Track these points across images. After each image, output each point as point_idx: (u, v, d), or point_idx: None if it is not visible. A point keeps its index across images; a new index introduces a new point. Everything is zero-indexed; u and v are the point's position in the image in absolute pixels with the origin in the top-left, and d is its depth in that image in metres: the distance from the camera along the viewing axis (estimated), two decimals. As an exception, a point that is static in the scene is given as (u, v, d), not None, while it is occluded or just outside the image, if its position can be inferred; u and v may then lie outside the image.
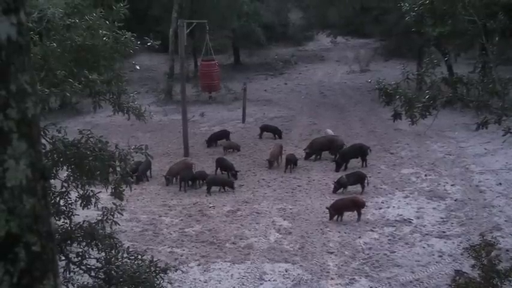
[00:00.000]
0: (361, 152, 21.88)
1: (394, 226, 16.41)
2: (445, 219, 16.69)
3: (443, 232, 15.88)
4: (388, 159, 22.68)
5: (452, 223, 16.43)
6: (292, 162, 21.65)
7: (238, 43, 44.97)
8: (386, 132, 25.80)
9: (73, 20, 9.48)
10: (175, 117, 29.32)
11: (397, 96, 12.19)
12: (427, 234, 15.84)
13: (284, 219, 17.16)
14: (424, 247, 15.10)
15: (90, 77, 8.96)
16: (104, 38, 9.28)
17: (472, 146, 23.30)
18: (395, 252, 14.89)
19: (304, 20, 49.35)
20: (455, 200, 18.07)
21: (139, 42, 9.91)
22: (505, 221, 16.21)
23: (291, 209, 17.91)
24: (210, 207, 18.37)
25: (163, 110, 31.59)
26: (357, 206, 16.92)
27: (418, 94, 12.67)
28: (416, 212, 17.33)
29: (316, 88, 37.65)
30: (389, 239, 15.62)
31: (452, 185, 19.36)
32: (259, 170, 21.84)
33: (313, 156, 23.06)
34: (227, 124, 28.77)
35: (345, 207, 17.02)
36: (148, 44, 10.52)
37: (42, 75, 8.72)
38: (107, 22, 9.53)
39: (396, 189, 19.32)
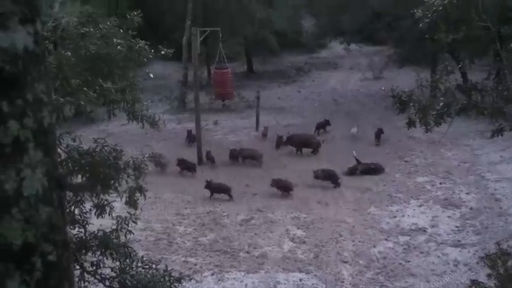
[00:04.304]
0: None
1: (409, 235, 16.30)
2: (460, 228, 16.56)
3: (459, 241, 15.75)
4: (403, 167, 22.56)
5: (467, 232, 16.30)
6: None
7: (251, 51, 45.02)
8: (401, 140, 25.67)
9: (87, 29, 9.54)
10: (188, 126, 29.35)
11: (411, 104, 12.14)
12: (442, 243, 15.73)
13: (298, 228, 17.10)
14: (439, 256, 14.98)
15: (104, 85, 9.00)
16: (118, 47, 9.33)
17: (487, 153, 23.11)
18: (410, 261, 14.79)
19: (317, 27, 49.30)
20: (470, 209, 17.92)
21: (153, 51, 9.95)
22: (521, 229, 16.08)
23: (304, 217, 17.85)
24: (223, 216, 18.34)
25: (177, 118, 31.64)
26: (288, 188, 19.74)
27: (432, 101, 12.61)
28: (431, 220, 17.21)
29: (329, 96, 37.56)
30: (404, 248, 15.52)
31: (467, 193, 19.21)
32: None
33: (295, 150, 25.17)
34: (240, 132, 28.78)
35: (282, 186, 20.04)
36: (162, 52, 10.55)
37: (56, 84, 8.77)
38: (121, 31, 9.58)
39: (411, 197, 19.20)
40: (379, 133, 26.50)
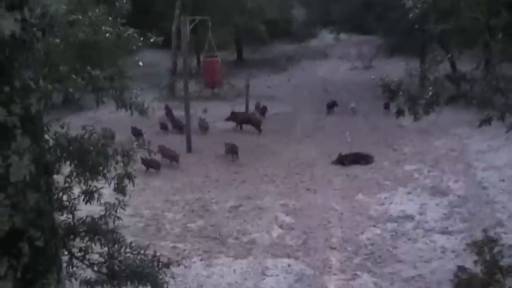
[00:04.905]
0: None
1: (397, 222, 16.41)
2: (447, 215, 16.68)
3: (446, 228, 15.87)
4: (391, 155, 22.67)
5: (455, 219, 16.42)
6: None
7: (241, 39, 44.89)
8: (389, 128, 25.76)
9: (76, 16, 9.50)
10: (178, 114, 29.33)
11: (401, 93, 12.20)
12: (429, 230, 15.84)
13: (287, 215, 17.18)
14: (426, 243, 15.10)
15: (92, 73, 8.98)
16: (107, 34, 9.30)
17: (475, 142, 23.24)
18: (397, 248, 14.89)
19: (307, 16, 49.24)
20: (458, 196, 18.05)
21: (142, 39, 9.92)
22: (508, 217, 16.19)
23: (293, 204, 17.92)
24: (212, 202, 18.39)
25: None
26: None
27: (421, 91, 12.67)
28: (419, 208, 17.32)
29: (319, 85, 37.59)
30: (391, 235, 15.63)
31: (455, 181, 19.34)
32: (262, 166, 21.86)
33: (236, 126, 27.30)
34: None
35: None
36: (151, 40, 10.52)
37: (45, 72, 8.73)
38: (110, 18, 9.55)
39: (399, 185, 19.31)
40: (331, 105, 30.06)
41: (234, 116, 27.60)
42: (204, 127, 26.74)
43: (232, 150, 22.93)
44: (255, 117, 28.02)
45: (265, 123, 28.51)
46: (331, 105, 30.62)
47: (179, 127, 26.71)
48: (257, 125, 27.11)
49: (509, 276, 9.06)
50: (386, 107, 26.85)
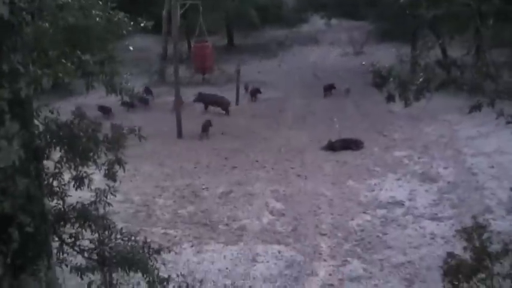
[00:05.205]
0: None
1: (387, 208, 16.47)
2: (437, 202, 16.76)
3: (436, 214, 15.94)
4: (381, 141, 22.73)
5: (444, 205, 16.50)
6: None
7: (232, 24, 44.71)
8: (380, 114, 25.80)
9: (66, 0, 9.40)
10: (168, 99, 29.29)
11: (391, 79, 12.18)
12: (419, 216, 15.91)
13: (277, 201, 17.20)
14: (416, 229, 15.17)
15: (82, 57, 8.90)
16: (97, 19, 9.23)
17: (465, 128, 23.32)
18: (387, 234, 14.96)
19: (299, 1, 49.10)
20: (447, 183, 18.13)
21: (132, 23, 9.85)
22: (497, 203, 16.27)
23: (284, 190, 17.95)
24: (203, 188, 18.39)
25: (156, 91, 31.45)
26: None
27: (412, 77, 12.65)
28: (409, 194, 17.39)
29: (309, 70, 37.57)
30: (381, 221, 15.69)
31: (444, 168, 19.42)
32: (252, 152, 21.86)
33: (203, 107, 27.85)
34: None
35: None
36: (142, 24, 10.45)
37: (34, 56, 8.65)
38: (100, 2, 9.46)
39: (389, 171, 19.37)
40: (329, 87, 30.80)
41: (201, 97, 27.97)
42: (179, 103, 26.87)
43: (204, 128, 23.78)
44: (223, 99, 28.21)
45: (256, 109, 28.62)
46: (329, 88, 31.00)
47: (218, 102, 28.03)
48: (225, 107, 27.56)
49: (497, 262, 9.10)
50: (254, 94, 29.58)
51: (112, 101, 19.04)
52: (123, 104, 25.65)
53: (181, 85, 26.26)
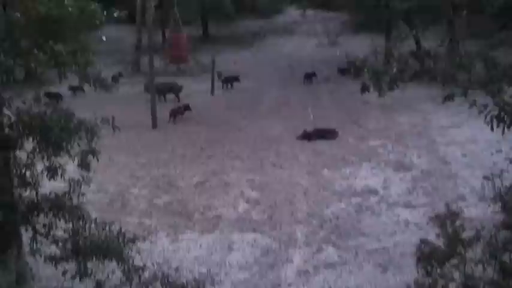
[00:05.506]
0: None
1: (361, 196, 16.60)
2: (411, 190, 16.93)
3: (409, 202, 16.11)
4: (356, 131, 22.86)
5: (418, 193, 16.67)
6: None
7: (207, 15, 44.56)
8: (355, 104, 25.94)
9: (37, -11, 9.33)
10: (142, 89, 29.19)
11: (365, 69, 12.26)
12: (393, 204, 16.06)
13: (253, 190, 17.25)
14: (390, 217, 15.31)
15: (55, 47, 8.85)
16: (70, 9, 9.17)
17: (439, 118, 23.57)
18: (362, 221, 15.09)
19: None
20: (421, 171, 18.32)
21: (105, 13, 9.81)
22: (470, 191, 16.47)
23: (259, 179, 17.99)
24: (178, 178, 18.34)
25: (130, 81, 31.33)
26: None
27: (386, 67, 12.75)
28: (383, 182, 17.54)
29: (285, 61, 37.64)
30: (356, 209, 15.81)
31: (418, 157, 19.61)
32: (228, 142, 21.87)
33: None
34: (196, 96, 28.80)
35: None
36: (115, 15, 10.42)
37: (6, 46, 8.58)
38: (73, -9, 9.40)
39: (363, 160, 19.49)
40: (310, 75, 31.45)
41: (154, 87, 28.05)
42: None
43: (172, 112, 24.58)
44: (176, 85, 28.75)
45: (231, 99, 28.63)
46: (310, 76, 31.51)
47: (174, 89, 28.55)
48: (177, 94, 28.33)
49: (470, 249, 9.25)
50: (342, 73, 29.90)
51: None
52: (71, 88, 25.63)
53: (156, 75, 26.13)
